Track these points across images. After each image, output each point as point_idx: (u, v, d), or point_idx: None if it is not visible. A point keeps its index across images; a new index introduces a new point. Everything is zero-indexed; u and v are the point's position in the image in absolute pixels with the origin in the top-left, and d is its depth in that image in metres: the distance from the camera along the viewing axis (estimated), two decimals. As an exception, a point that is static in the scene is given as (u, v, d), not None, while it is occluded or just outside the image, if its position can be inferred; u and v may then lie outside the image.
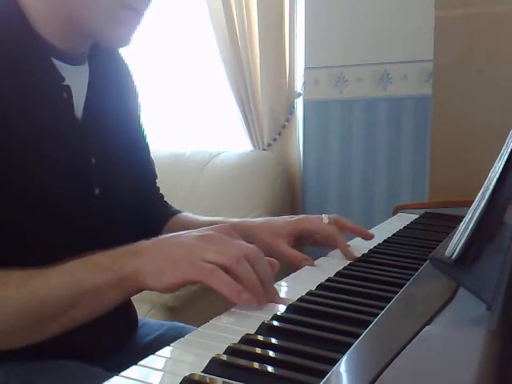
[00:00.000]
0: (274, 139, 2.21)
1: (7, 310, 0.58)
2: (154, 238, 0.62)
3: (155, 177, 0.98)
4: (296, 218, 0.88)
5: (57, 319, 0.59)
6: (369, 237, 0.88)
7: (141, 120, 0.93)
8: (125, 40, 0.72)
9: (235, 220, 0.92)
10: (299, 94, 2.18)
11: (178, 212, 0.99)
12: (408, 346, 0.41)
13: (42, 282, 0.59)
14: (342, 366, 0.41)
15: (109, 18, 0.69)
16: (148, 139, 0.95)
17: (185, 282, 0.57)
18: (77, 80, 0.75)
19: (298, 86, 2.18)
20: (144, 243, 0.61)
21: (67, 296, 0.58)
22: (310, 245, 0.90)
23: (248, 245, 0.61)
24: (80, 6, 0.70)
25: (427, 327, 0.45)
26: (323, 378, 0.39)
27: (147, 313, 1.72)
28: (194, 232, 0.62)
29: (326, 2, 2.07)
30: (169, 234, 0.63)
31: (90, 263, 0.60)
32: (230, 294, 0.55)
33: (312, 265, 0.79)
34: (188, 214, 0.98)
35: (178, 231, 0.94)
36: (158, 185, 0.99)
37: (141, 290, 0.60)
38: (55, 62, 0.72)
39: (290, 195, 2.20)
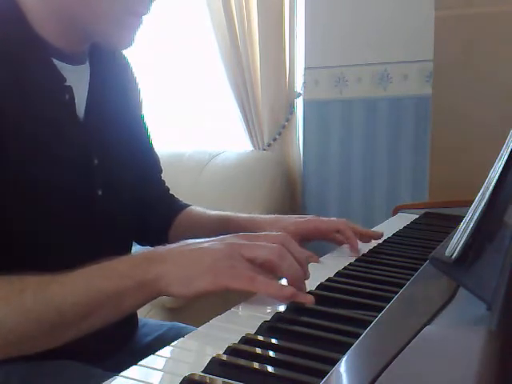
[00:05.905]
0: (274, 139, 2.21)
1: (25, 317, 0.56)
2: (173, 245, 0.61)
3: (160, 171, 0.98)
4: (306, 217, 0.89)
5: (75, 325, 0.58)
6: (379, 236, 0.88)
7: (143, 116, 0.93)
8: (128, 42, 0.72)
9: (245, 215, 0.92)
10: (299, 94, 2.18)
11: (186, 206, 0.98)
12: (408, 346, 0.41)
13: (58, 288, 0.57)
14: (342, 365, 0.41)
15: (114, 23, 0.70)
16: (151, 135, 0.95)
17: (219, 288, 0.56)
18: (78, 80, 0.75)
19: (298, 86, 2.18)
20: (163, 250, 0.60)
21: (85, 303, 0.57)
22: (319, 240, 0.91)
23: (271, 245, 0.60)
24: (84, 11, 0.70)
25: (427, 327, 0.45)
26: (323, 377, 0.39)
27: (147, 313, 1.72)
28: (214, 239, 0.61)
29: (326, 2, 2.07)
30: (187, 241, 0.61)
31: (107, 270, 0.58)
32: (275, 294, 0.56)
33: (317, 261, 0.79)
34: (196, 208, 0.98)
35: (190, 227, 0.93)
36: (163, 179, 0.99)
37: (159, 296, 0.59)
38: (56, 62, 0.72)
39: (290, 195, 2.19)
